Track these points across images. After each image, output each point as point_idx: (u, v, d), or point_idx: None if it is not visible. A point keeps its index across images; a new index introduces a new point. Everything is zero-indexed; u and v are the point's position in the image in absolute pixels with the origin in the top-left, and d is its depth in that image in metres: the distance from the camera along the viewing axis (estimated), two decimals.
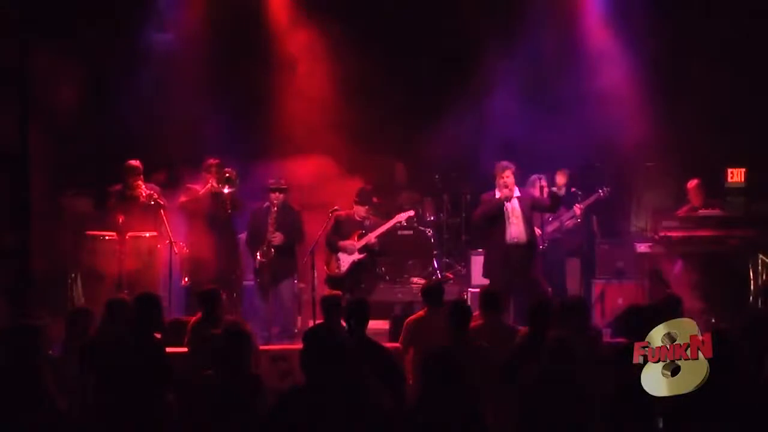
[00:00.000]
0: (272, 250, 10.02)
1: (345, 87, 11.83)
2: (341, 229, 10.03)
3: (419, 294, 8.30)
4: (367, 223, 10.12)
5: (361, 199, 10.11)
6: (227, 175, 9.98)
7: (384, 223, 10.18)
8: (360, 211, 10.08)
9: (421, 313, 7.87)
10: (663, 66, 11.53)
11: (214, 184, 9.93)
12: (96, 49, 10.90)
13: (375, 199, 10.39)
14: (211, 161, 10.14)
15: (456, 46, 12.19)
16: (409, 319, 7.87)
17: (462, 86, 11.92)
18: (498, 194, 9.67)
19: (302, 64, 11.97)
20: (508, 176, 9.62)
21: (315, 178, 11.28)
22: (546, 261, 10.29)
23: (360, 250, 10.00)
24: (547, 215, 10.64)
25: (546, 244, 10.53)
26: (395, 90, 11.95)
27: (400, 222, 10.38)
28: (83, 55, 10.69)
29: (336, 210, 9.97)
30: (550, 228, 10.86)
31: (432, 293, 7.85)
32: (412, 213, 10.54)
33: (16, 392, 6.04)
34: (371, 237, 10.05)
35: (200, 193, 9.98)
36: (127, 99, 11.17)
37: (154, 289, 9.46)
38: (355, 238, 10.02)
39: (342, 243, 10.00)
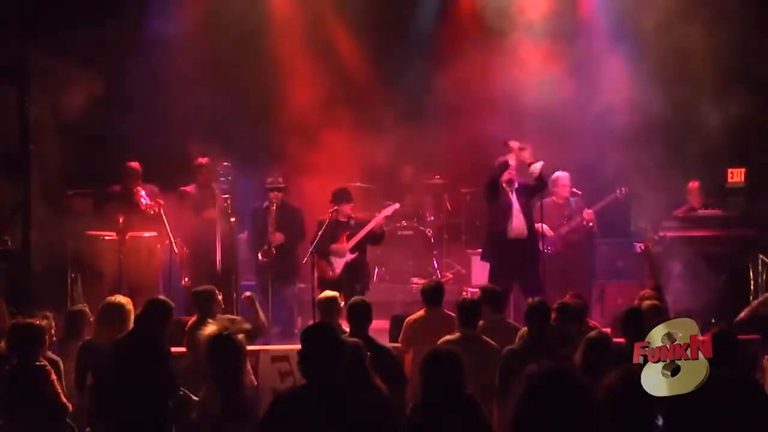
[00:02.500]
0: (273, 250, 10.02)
1: (345, 85, 11.83)
2: (327, 234, 9.70)
3: (419, 294, 8.30)
4: (352, 222, 9.96)
5: (341, 198, 9.87)
6: (220, 171, 10.00)
7: (370, 220, 9.98)
8: (346, 209, 9.88)
9: (420, 312, 7.86)
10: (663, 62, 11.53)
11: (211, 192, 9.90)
12: (97, 48, 10.89)
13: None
14: (201, 161, 10.15)
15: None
16: (408, 319, 7.87)
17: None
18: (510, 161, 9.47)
19: (301, 58, 11.94)
20: (528, 150, 9.44)
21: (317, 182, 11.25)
22: (555, 262, 10.26)
23: (351, 250, 9.86)
24: (557, 220, 10.57)
25: (550, 249, 10.41)
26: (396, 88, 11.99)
27: (388, 215, 10.17)
28: (84, 54, 10.68)
29: (335, 211, 9.83)
30: (564, 230, 10.75)
31: (431, 293, 7.85)
32: (397, 206, 10.32)
33: (16, 391, 6.06)
34: (375, 223, 9.87)
35: (202, 216, 9.93)
36: (128, 98, 11.16)
37: (153, 288, 9.46)
38: (344, 240, 9.89)
39: (333, 246, 9.83)
